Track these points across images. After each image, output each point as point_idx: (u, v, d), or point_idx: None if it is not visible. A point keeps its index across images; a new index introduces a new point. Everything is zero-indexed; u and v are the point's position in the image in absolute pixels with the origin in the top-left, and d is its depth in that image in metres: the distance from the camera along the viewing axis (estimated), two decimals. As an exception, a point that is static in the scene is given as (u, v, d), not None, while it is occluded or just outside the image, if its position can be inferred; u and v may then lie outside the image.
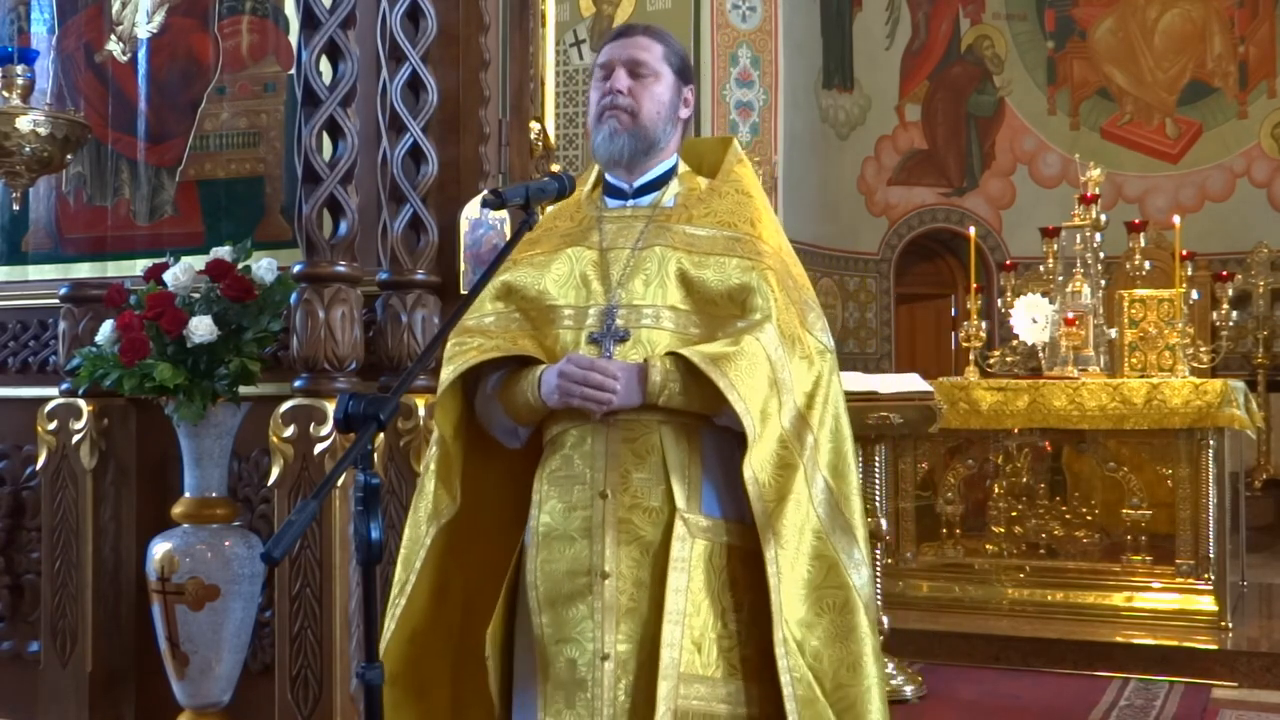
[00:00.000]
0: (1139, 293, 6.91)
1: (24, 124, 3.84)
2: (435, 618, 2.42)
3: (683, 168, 2.54)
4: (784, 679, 2.19)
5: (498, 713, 2.43)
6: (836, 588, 2.28)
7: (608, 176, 2.52)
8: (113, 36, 4.25)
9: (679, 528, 2.27)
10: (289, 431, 3.55)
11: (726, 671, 2.28)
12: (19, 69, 3.93)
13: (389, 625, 2.38)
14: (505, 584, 2.42)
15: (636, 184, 2.48)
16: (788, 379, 2.28)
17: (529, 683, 2.37)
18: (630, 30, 2.50)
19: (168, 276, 3.69)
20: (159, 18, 4.19)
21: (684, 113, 2.50)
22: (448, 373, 2.38)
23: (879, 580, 4.92)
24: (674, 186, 2.50)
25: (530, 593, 2.34)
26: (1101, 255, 7.18)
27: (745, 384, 2.22)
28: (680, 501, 2.29)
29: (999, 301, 7.78)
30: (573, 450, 2.33)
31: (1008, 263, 8.33)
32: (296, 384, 3.60)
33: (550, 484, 2.35)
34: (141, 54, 4.21)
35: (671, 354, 2.28)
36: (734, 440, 2.34)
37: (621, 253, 2.40)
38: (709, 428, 2.33)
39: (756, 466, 2.23)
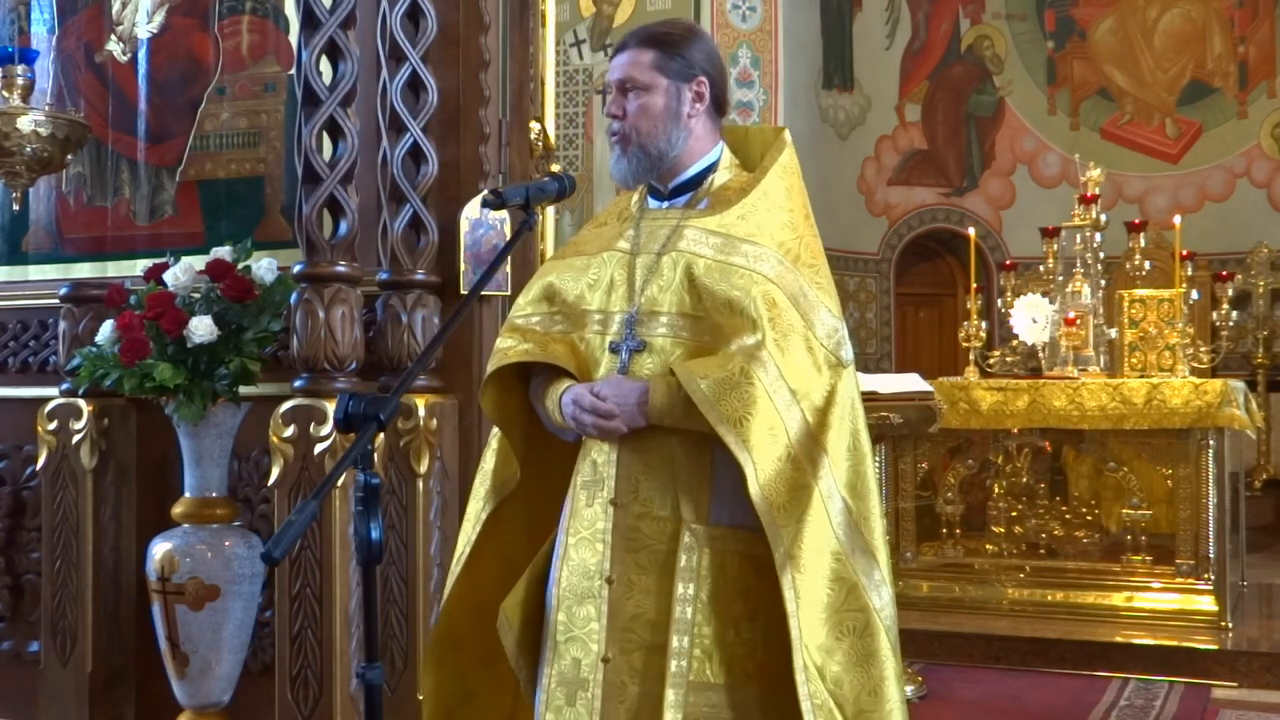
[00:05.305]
0: (1139, 293, 6.90)
1: (24, 124, 3.84)
2: (501, 590, 2.48)
3: (726, 160, 2.50)
4: (804, 705, 2.17)
5: (523, 684, 2.49)
6: (857, 610, 2.24)
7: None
8: (113, 36, 4.26)
9: (685, 538, 2.29)
10: (289, 431, 3.55)
11: (740, 679, 2.28)
12: (19, 69, 3.93)
13: (445, 597, 2.51)
14: (533, 563, 2.49)
15: (670, 186, 2.47)
16: (788, 401, 2.24)
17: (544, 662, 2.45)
18: (625, 43, 2.46)
19: (168, 276, 3.69)
20: (159, 18, 4.19)
21: (696, 107, 2.44)
22: (490, 367, 2.47)
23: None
24: (711, 184, 2.46)
25: (552, 588, 2.41)
26: (1101, 255, 7.17)
27: (728, 406, 2.20)
28: (687, 513, 2.30)
29: (999, 301, 7.77)
30: (596, 456, 2.39)
31: (1008, 263, 8.31)
32: (296, 384, 3.60)
33: (580, 488, 2.41)
34: (141, 54, 4.21)
35: (674, 374, 2.27)
36: None
37: (648, 257, 2.41)
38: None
39: (767, 490, 2.20)
